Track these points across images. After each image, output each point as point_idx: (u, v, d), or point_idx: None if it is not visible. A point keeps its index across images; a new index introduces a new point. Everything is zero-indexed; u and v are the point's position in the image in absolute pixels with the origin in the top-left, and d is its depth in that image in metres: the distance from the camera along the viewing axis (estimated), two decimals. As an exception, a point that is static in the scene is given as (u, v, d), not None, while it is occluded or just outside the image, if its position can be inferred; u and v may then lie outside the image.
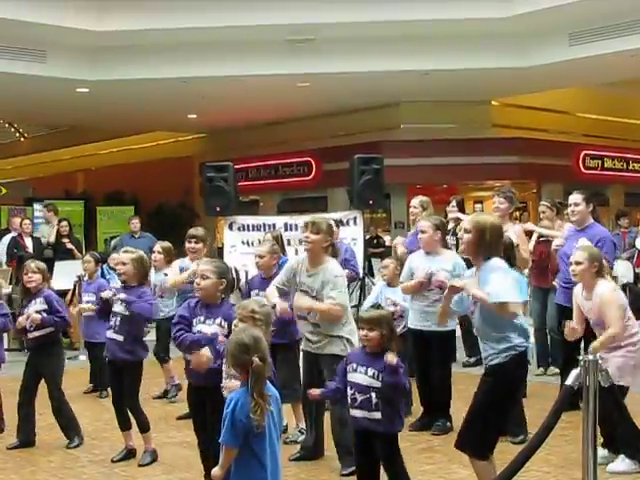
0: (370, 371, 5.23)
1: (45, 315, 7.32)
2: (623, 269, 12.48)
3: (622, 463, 6.18)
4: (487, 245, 5.19)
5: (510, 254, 6.89)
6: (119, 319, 6.87)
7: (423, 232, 7.75)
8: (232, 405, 4.19)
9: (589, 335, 6.57)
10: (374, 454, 5.36)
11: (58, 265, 12.92)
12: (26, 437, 7.45)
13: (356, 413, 5.30)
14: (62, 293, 10.37)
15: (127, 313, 6.81)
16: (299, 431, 7.39)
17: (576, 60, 15.11)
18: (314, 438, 6.82)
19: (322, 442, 6.84)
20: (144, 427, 6.92)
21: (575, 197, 8.18)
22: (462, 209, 11.26)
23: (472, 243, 5.24)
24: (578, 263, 6.36)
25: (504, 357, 5.08)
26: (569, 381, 4.55)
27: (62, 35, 14.68)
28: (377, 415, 5.21)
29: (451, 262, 7.63)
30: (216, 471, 4.29)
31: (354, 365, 5.32)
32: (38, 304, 7.40)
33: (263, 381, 4.18)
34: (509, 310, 5.01)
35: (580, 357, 4.60)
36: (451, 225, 10.48)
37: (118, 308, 6.89)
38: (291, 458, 6.72)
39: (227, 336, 5.30)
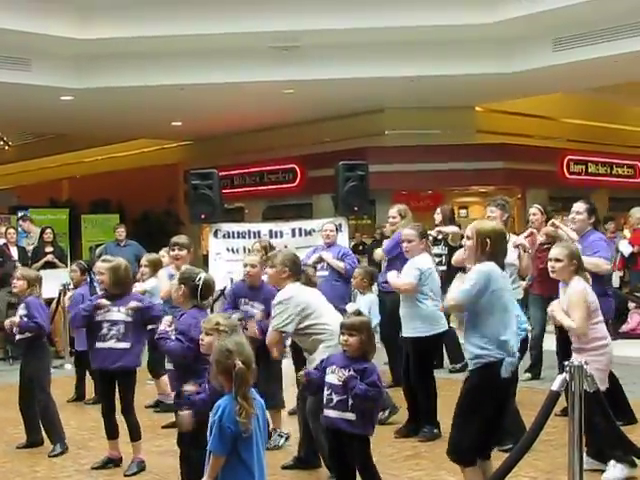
0: (349, 373, 5.30)
1: (24, 320, 7.44)
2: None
3: (614, 469, 6.16)
4: (489, 253, 5.21)
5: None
6: (122, 327, 6.84)
7: (410, 241, 7.74)
8: (219, 413, 4.19)
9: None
10: (346, 456, 5.44)
11: (42, 273, 12.84)
12: (35, 437, 7.67)
13: (330, 413, 5.38)
14: (47, 302, 10.31)
15: (130, 319, 6.83)
16: (279, 435, 7.44)
17: (560, 65, 15.17)
18: (307, 448, 6.80)
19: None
20: (136, 436, 6.92)
21: (579, 206, 8.16)
22: (452, 218, 11.24)
23: (473, 250, 5.27)
24: (558, 260, 6.39)
25: (474, 364, 5.17)
26: (555, 386, 4.56)
27: (46, 43, 14.65)
28: (351, 416, 5.29)
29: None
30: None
31: (333, 367, 5.41)
32: (21, 310, 7.59)
33: (247, 385, 4.20)
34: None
35: (566, 362, 4.62)
36: (433, 233, 10.46)
37: (117, 316, 6.85)
38: (284, 465, 6.72)
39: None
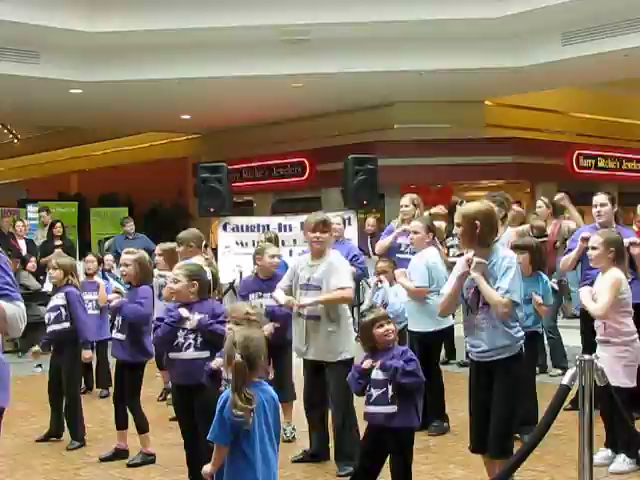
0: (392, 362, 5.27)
1: (63, 311, 7.56)
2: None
3: (623, 463, 6.18)
4: (479, 233, 5.19)
5: (538, 258, 7.00)
6: (121, 318, 6.98)
7: (416, 232, 7.73)
8: (221, 403, 4.26)
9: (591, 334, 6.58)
10: (381, 457, 5.38)
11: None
12: (57, 429, 7.78)
13: (371, 409, 5.33)
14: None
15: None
16: (293, 428, 7.46)
17: (569, 60, 15.09)
18: (319, 443, 6.79)
19: (327, 445, 6.81)
20: (141, 428, 6.95)
21: (601, 197, 7.97)
22: (452, 211, 11.18)
23: (464, 234, 5.27)
24: (594, 248, 6.36)
25: (512, 350, 5.22)
26: (565, 380, 4.55)
27: (55, 36, 14.63)
28: (393, 409, 5.22)
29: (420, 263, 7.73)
30: (206, 468, 4.37)
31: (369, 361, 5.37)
32: (58, 299, 7.66)
33: (242, 379, 4.20)
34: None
35: (577, 356, 4.61)
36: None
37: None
38: (294, 459, 6.71)
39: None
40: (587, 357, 4.56)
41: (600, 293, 6.18)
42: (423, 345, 7.66)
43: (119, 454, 7.04)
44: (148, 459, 6.91)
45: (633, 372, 6.26)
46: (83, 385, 9.87)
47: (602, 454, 6.33)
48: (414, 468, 6.25)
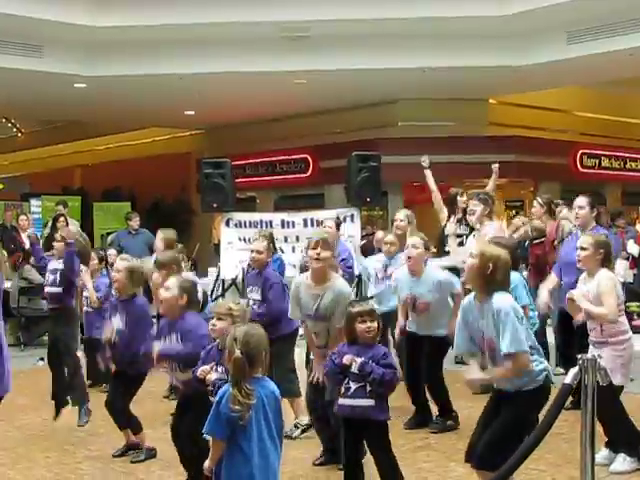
0: (361, 359, 5.35)
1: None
2: (622, 269, 12.49)
3: (624, 462, 6.18)
4: (490, 279, 4.95)
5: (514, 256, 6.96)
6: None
7: (416, 247, 7.70)
8: (219, 397, 4.31)
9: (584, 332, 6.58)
10: (362, 445, 5.54)
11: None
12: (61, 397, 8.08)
13: (349, 402, 5.40)
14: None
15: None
16: (295, 426, 7.41)
17: (574, 59, 15.08)
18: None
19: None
20: (134, 429, 7.00)
21: (580, 201, 8.22)
22: (454, 204, 11.13)
23: (475, 271, 5.02)
24: (583, 249, 6.35)
25: (536, 381, 4.99)
26: (567, 380, 4.56)
27: (59, 30, 14.64)
28: (371, 402, 5.35)
29: (433, 282, 7.63)
30: (206, 463, 4.42)
31: (348, 356, 5.42)
32: (57, 263, 8.36)
33: (241, 375, 4.22)
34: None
35: (579, 356, 4.61)
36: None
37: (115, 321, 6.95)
38: (316, 463, 6.67)
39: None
40: (589, 356, 4.57)
41: (603, 295, 6.15)
42: (439, 348, 7.70)
43: (132, 448, 7.04)
44: (151, 454, 6.92)
45: (628, 371, 6.29)
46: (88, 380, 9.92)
47: (603, 454, 6.34)
48: (414, 466, 6.29)
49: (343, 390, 5.43)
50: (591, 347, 6.25)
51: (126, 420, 6.96)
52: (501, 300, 4.90)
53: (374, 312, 5.52)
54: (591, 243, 6.32)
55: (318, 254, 6.36)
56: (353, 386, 5.37)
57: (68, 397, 8.05)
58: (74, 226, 12.42)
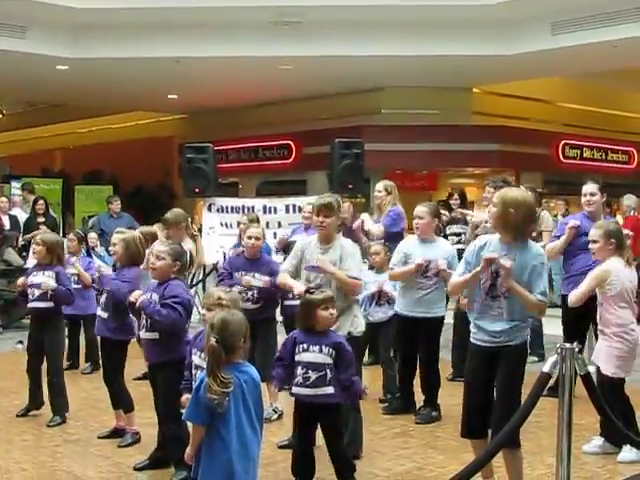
0: (325, 349, 5.34)
1: (61, 287, 7.46)
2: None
3: (630, 453, 6.15)
4: (513, 223, 5.07)
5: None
6: (105, 296, 6.95)
7: (421, 218, 7.64)
8: (198, 383, 4.32)
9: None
10: (313, 432, 5.58)
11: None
12: (36, 403, 7.71)
13: (307, 391, 5.37)
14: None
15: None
16: (273, 410, 7.42)
17: (558, 49, 15.12)
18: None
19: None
20: (126, 407, 6.98)
21: (591, 187, 7.94)
22: (464, 201, 11.29)
23: (498, 218, 5.15)
24: (594, 242, 6.36)
25: (523, 336, 5.21)
26: (545, 368, 4.58)
27: (43, 11, 14.53)
28: (330, 390, 5.35)
29: (446, 250, 7.63)
30: (187, 450, 4.41)
31: (304, 345, 5.39)
32: (46, 276, 7.48)
33: (216, 362, 4.20)
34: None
35: (557, 344, 4.63)
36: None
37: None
38: (279, 445, 6.61)
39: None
40: (568, 345, 4.58)
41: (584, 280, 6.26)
42: (438, 330, 7.68)
43: (118, 433, 7.01)
44: (135, 438, 6.90)
45: (626, 363, 6.23)
46: (66, 362, 9.89)
47: (595, 442, 6.37)
48: (392, 453, 6.30)
49: (301, 380, 5.36)
50: (599, 335, 6.38)
51: (121, 397, 6.98)
52: (540, 249, 5.32)
53: (333, 298, 5.49)
54: (600, 235, 6.29)
55: (322, 222, 6.26)
56: (313, 376, 5.32)
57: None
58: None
